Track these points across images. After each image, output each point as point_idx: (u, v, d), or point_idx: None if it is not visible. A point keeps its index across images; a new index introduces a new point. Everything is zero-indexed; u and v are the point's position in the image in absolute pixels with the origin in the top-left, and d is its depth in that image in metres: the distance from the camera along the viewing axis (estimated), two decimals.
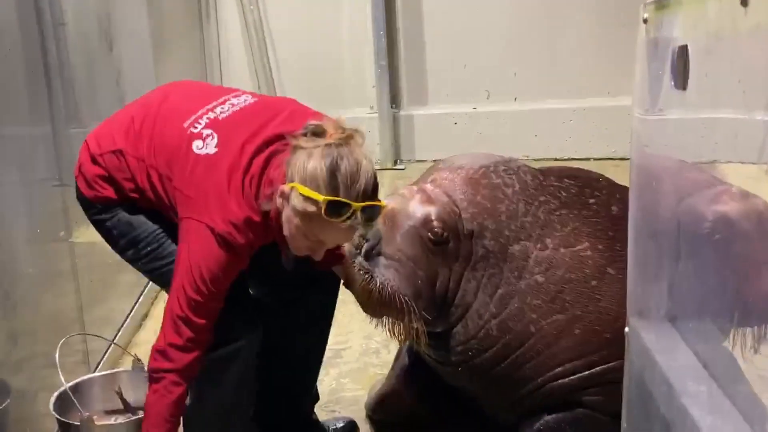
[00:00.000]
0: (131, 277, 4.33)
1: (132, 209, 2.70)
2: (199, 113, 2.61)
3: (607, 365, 2.69)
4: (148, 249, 2.72)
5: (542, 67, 6.46)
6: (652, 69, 1.98)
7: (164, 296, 4.40)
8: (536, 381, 2.76)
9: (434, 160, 6.66)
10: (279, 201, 2.42)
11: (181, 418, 2.64)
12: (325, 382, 3.56)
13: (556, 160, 6.35)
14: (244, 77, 6.62)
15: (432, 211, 2.68)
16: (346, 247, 2.71)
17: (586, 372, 2.72)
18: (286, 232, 2.45)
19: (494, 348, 2.75)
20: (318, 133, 2.40)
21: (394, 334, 2.79)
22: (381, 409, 3.26)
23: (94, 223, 2.78)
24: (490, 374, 2.78)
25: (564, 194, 2.80)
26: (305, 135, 2.40)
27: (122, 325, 4.00)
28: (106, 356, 3.67)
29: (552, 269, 2.70)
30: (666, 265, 1.99)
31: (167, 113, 2.65)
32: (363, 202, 2.35)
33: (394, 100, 6.63)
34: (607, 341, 2.67)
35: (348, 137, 2.38)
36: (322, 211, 2.32)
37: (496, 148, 6.49)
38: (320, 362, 3.15)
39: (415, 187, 2.79)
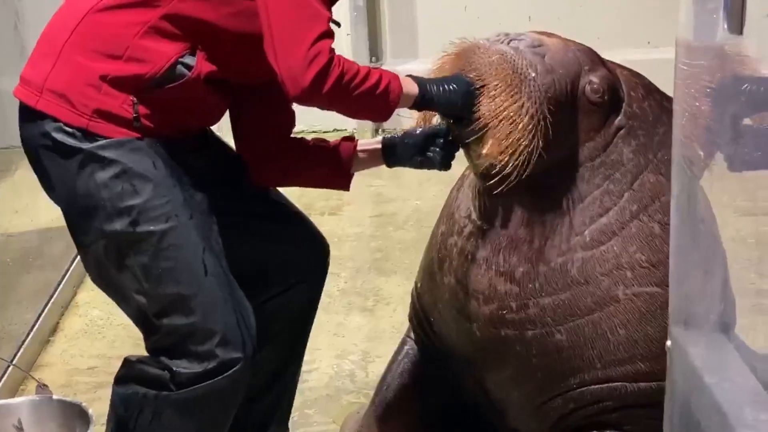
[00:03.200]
0: (36, 278, 4.33)
1: (145, 152, 2.64)
2: None
3: None
4: (157, 228, 2.63)
5: (564, 10, 6.48)
6: (701, 9, 2.00)
7: (78, 306, 4.44)
8: (595, 371, 2.75)
9: None
10: None
11: None
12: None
13: None
14: None
15: (603, 71, 2.80)
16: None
17: (659, 383, 2.67)
18: None
19: (562, 295, 2.74)
20: None
21: (498, 144, 2.67)
22: None
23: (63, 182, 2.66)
24: (534, 342, 2.77)
25: None
26: None
27: (23, 342, 3.99)
28: (2, 381, 3.67)
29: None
30: (720, 257, 2.01)
31: None
32: None
33: (375, 52, 6.64)
34: None
35: None
36: None
37: None
38: (296, 382, 3.21)
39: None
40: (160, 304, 2.68)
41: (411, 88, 2.68)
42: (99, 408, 3.43)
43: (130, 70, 2.59)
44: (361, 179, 5.87)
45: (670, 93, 2.29)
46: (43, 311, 4.25)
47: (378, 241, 5.09)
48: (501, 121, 2.62)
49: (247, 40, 2.62)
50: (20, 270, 4.29)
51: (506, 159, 2.61)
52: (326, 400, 3.78)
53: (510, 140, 2.61)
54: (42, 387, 3.08)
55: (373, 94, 2.62)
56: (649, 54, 6.31)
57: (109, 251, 2.68)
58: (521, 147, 2.60)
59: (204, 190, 2.75)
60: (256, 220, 2.96)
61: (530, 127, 2.61)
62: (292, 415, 3.51)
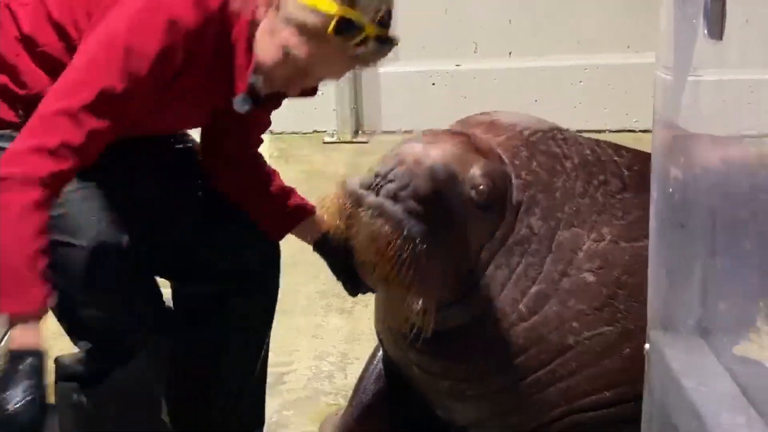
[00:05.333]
0: None
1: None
2: None
3: None
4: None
5: (545, 14, 6.49)
6: (681, 14, 2.00)
7: None
8: (560, 408, 2.77)
9: (405, 132, 6.73)
10: (261, 8, 2.42)
11: None
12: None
13: None
14: None
15: (480, 164, 2.66)
16: (349, 182, 2.60)
17: (628, 403, 2.71)
18: (263, 50, 2.45)
19: (515, 361, 2.74)
20: None
21: (394, 313, 2.72)
22: None
23: None
24: (502, 394, 2.80)
25: (626, 172, 2.80)
26: None
27: None
28: None
29: (606, 268, 2.70)
30: (698, 262, 2.02)
31: None
32: (380, 29, 2.42)
33: None
34: None
35: None
36: (329, 28, 2.35)
37: None
38: (263, 385, 3.19)
39: (457, 131, 2.77)
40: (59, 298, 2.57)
41: None
42: None
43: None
44: (357, 151, 5.88)
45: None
46: None
47: None
48: (389, 286, 2.61)
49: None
50: None
51: (411, 319, 2.61)
52: (304, 402, 3.77)
53: (405, 303, 2.59)
54: None
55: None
56: (629, 58, 6.33)
57: None
58: (416, 300, 2.58)
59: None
60: (205, 223, 2.91)
61: (415, 282, 2.56)
62: (270, 417, 3.51)
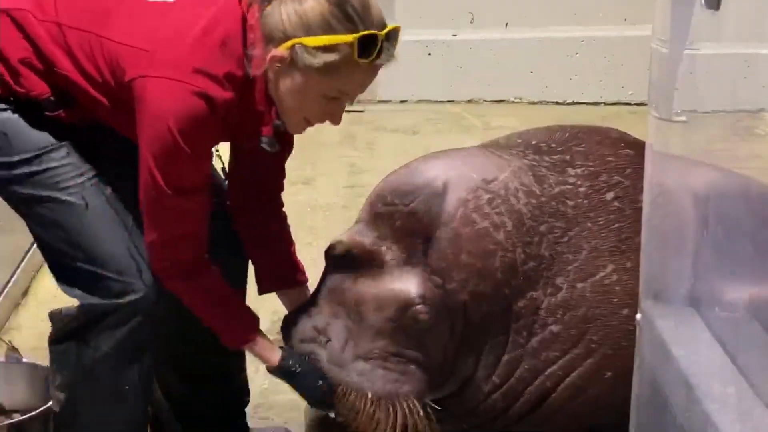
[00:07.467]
0: (7, 241, 4.32)
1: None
2: None
3: None
4: (27, 171, 2.58)
5: None
6: None
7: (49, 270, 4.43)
8: None
9: (401, 102, 6.73)
10: (275, 70, 2.46)
11: None
12: (255, 381, 3.57)
13: (557, 104, 6.39)
14: None
15: (411, 291, 2.65)
16: (289, 326, 2.76)
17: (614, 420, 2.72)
18: (288, 104, 2.52)
19: (502, 417, 2.80)
20: None
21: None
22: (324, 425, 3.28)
23: None
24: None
25: (571, 203, 2.73)
26: None
27: None
28: None
29: (569, 312, 2.69)
30: (690, 233, 2.03)
31: None
32: (383, 28, 2.46)
33: None
34: None
35: None
36: (354, 54, 2.40)
37: (481, 86, 6.58)
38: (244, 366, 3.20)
39: (382, 252, 2.72)
40: (50, 247, 2.68)
41: (268, 354, 2.75)
42: None
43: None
44: (334, 149, 5.89)
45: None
46: (13, 275, 4.23)
47: (351, 212, 5.06)
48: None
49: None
50: None
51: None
52: None
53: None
54: (12, 350, 3.08)
55: (220, 323, 2.70)
56: (625, 31, 6.33)
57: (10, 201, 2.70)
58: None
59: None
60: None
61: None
62: (261, 383, 3.53)
